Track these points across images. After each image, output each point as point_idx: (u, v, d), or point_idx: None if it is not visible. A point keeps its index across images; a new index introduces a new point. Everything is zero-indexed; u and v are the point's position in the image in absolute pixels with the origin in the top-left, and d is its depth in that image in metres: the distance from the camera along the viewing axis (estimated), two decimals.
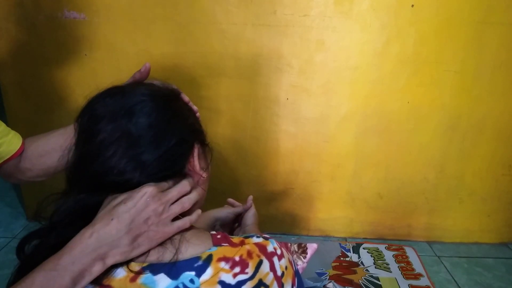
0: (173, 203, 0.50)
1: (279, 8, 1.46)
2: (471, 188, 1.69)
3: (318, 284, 1.37)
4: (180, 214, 0.51)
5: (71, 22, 1.48)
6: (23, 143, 0.76)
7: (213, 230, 0.89)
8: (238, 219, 0.92)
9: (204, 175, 0.57)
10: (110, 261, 0.46)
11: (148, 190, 0.48)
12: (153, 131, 0.51)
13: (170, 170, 0.52)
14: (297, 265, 1.09)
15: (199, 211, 0.53)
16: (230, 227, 0.93)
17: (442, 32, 1.48)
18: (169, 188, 0.51)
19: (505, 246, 1.77)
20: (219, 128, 1.63)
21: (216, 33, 1.49)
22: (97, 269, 0.45)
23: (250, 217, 0.88)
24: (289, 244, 1.14)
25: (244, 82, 1.56)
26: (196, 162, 0.56)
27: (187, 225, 0.51)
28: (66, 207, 0.50)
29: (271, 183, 1.71)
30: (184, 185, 0.52)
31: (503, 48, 1.49)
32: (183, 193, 0.51)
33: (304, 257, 1.10)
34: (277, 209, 1.75)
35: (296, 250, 1.11)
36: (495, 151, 1.64)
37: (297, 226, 1.79)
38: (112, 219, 0.46)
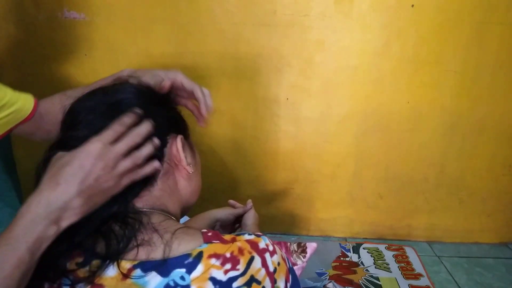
0: (124, 158, 0.49)
1: (279, 8, 1.46)
2: (471, 188, 1.69)
3: (318, 284, 1.38)
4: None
5: (71, 22, 1.48)
6: (35, 105, 0.83)
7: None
8: (238, 220, 0.92)
9: (190, 170, 0.57)
10: (64, 224, 0.45)
11: (92, 148, 0.46)
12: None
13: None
14: (297, 264, 1.09)
15: (155, 164, 0.52)
16: (230, 228, 0.93)
17: (442, 32, 1.48)
18: (115, 136, 0.49)
19: (505, 246, 1.77)
20: (219, 128, 1.63)
21: (216, 33, 1.49)
22: (52, 233, 0.44)
23: (250, 218, 0.88)
24: (288, 244, 1.14)
25: (244, 82, 1.56)
26: (181, 155, 0.56)
27: (138, 177, 0.51)
28: None
29: (271, 183, 1.71)
30: (133, 135, 0.50)
31: (504, 48, 1.49)
32: (132, 144, 0.50)
33: (304, 256, 1.10)
34: (277, 209, 1.75)
35: (296, 249, 1.11)
36: (495, 151, 1.64)
37: (297, 226, 1.79)
38: (59, 184, 0.45)
